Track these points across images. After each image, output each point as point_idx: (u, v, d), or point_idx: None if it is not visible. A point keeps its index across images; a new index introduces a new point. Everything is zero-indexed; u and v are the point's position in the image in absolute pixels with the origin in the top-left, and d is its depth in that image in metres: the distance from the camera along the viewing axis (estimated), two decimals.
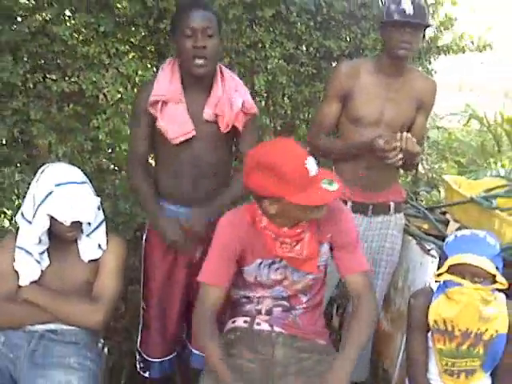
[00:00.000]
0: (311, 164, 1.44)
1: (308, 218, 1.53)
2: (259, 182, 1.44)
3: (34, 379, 1.58)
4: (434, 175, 4.06)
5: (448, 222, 2.37)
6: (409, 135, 1.83)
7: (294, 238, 1.55)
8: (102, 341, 1.88)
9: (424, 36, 2.03)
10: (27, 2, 2.13)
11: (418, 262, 2.16)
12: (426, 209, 2.50)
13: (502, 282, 1.55)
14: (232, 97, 1.82)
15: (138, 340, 2.06)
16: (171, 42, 1.83)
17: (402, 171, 3.88)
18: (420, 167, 4.50)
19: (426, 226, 2.35)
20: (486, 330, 1.59)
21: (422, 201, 2.81)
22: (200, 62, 1.72)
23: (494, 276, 1.55)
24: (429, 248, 2.13)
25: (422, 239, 2.21)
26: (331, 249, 1.65)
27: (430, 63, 2.76)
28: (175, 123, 1.77)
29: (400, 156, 1.84)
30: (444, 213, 2.50)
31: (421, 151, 2.03)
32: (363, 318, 1.57)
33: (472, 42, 2.89)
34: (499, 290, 1.65)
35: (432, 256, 2.07)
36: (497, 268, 1.55)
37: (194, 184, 1.87)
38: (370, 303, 1.59)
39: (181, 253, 1.91)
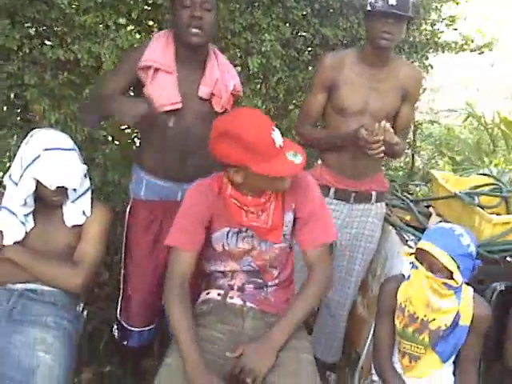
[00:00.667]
0: (277, 135, 1.46)
1: (273, 189, 1.55)
2: (225, 151, 1.46)
3: (10, 334, 1.63)
4: (429, 170, 4.07)
5: (430, 215, 2.41)
6: (387, 125, 1.86)
7: (259, 207, 1.57)
8: (82, 304, 1.92)
9: (408, 28, 2.04)
10: None
11: (395, 251, 2.20)
12: (411, 201, 2.53)
13: (457, 280, 1.58)
14: (226, 79, 1.87)
15: (118, 309, 2.10)
16: (169, 13, 1.85)
17: (396, 164, 3.92)
18: (417, 161, 4.53)
19: (408, 218, 2.39)
20: (434, 320, 1.63)
21: (410, 194, 2.84)
22: (195, 30, 1.76)
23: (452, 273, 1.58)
24: (407, 238, 2.17)
25: (401, 229, 2.25)
26: (294, 219, 1.67)
27: (426, 58, 2.77)
28: (163, 92, 1.79)
29: (382, 149, 1.88)
30: (428, 206, 2.53)
31: (403, 142, 2.07)
32: (310, 292, 1.60)
33: (472, 41, 2.90)
34: (468, 284, 1.70)
35: (409, 246, 2.11)
36: (459, 268, 1.57)
37: (182, 159, 1.90)
38: (320, 275, 1.62)
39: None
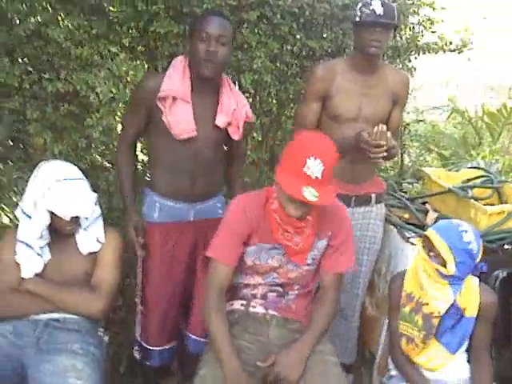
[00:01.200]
0: (315, 165, 1.50)
1: (286, 208, 1.61)
2: (285, 150, 1.59)
3: (40, 364, 1.67)
4: (419, 167, 4.18)
5: (427, 211, 2.51)
6: (384, 128, 1.93)
7: (297, 229, 1.65)
8: (102, 329, 1.96)
9: (395, 35, 2.14)
10: (23, 7, 2.20)
11: (399, 249, 2.29)
12: (408, 199, 2.63)
13: (449, 269, 1.66)
14: (240, 108, 1.97)
15: (138, 330, 2.14)
16: (186, 43, 1.93)
17: (386, 164, 4.01)
18: (406, 160, 4.64)
19: (406, 216, 2.48)
20: (427, 304, 1.71)
21: (405, 192, 2.93)
22: (209, 65, 1.83)
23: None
24: (408, 236, 2.26)
25: (402, 228, 2.34)
26: (326, 246, 1.77)
27: (409, 61, 2.88)
28: (182, 120, 1.87)
29: (384, 154, 1.94)
30: (424, 203, 2.63)
31: (397, 144, 2.15)
32: (327, 311, 1.74)
33: (451, 42, 3.02)
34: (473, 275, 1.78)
35: (411, 243, 2.20)
36: (455, 261, 1.65)
37: (193, 180, 1.97)
38: (334, 301, 1.77)
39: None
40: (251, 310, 1.79)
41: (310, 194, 1.50)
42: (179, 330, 2.20)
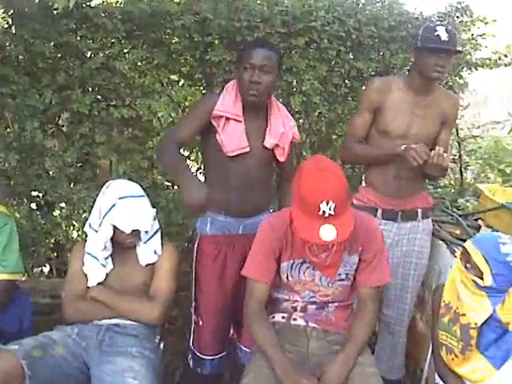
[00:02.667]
0: (327, 207, 1.54)
1: (310, 253, 1.69)
2: (295, 185, 1.65)
3: (102, 364, 1.82)
4: (477, 184, 4.07)
5: (480, 227, 2.48)
6: (441, 150, 1.96)
7: (322, 246, 1.70)
8: (159, 337, 2.09)
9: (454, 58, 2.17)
10: (94, 43, 2.46)
11: (448, 264, 2.28)
12: (460, 215, 2.61)
13: (485, 281, 1.63)
14: (287, 130, 2.09)
15: (191, 339, 2.25)
16: (235, 69, 2.06)
17: (445, 181, 3.94)
18: (468, 177, 4.53)
19: (458, 232, 2.46)
20: (464, 315, 1.69)
21: (461, 209, 2.90)
22: (253, 92, 1.96)
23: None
24: (458, 251, 2.25)
25: (452, 243, 2.33)
26: (359, 260, 1.82)
27: (460, 77, 2.88)
28: (233, 138, 2.01)
29: (424, 158, 1.96)
30: (477, 219, 2.60)
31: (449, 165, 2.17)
32: (366, 324, 1.78)
33: (506, 55, 2.99)
34: None
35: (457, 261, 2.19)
36: (492, 272, 1.63)
37: (244, 197, 2.09)
38: (372, 313, 1.81)
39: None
40: (292, 322, 1.86)
41: (326, 233, 1.54)
42: (231, 340, 2.30)
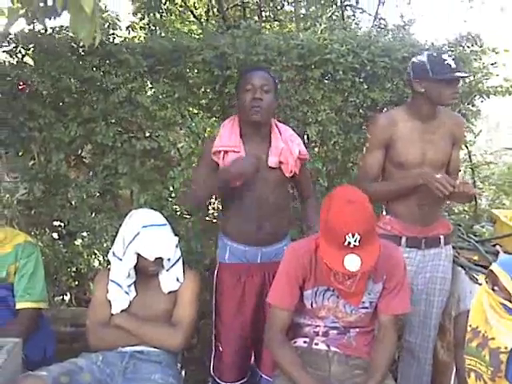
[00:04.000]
0: (353, 239, 1.58)
1: (335, 281, 1.73)
2: (322, 215, 1.70)
3: None
4: (492, 210, 4.08)
5: (498, 253, 2.49)
6: (465, 180, 2.00)
7: (347, 273, 1.71)
8: (180, 364, 2.13)
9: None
10: (117, 78, 2.56)
11: (467, 291, 2.28)
12: (477, 242, 2.62)
13: None
14: (290, 146, 2.14)
15: (211, 366, 2.27)
16: (236, 99, 2.18)
17: (460, 208, 3.96)
18: (482, 203, 4.54)
19: (475, 258, 2.47)
20: (493, 339, 1.69)
21: (477, 235, 2.91)
22: (256, 109, 2.05)
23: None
24: (477, 277, 2.26)
25: (470, 269, 2.34)
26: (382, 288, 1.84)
27: (472, 105, 2.93)
28: None
29: (450, 190, 1.99)
30: (495, 245, 2.61)
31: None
32: (388, 349, 1.81)
33: None
34: None
35: (480, 284, 2.20)
36: None
37: (258, 225, 2.13)
38: (393, 340, 1.85)
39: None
40: (314, 347, 1.89)
41: (351, 262, 1.58)
42: (252, 368, 2.31)
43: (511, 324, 1.69)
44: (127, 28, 3.85)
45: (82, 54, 2.57)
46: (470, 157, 3.64)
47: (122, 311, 2.02)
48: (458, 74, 2.06)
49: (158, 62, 2.63)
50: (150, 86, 2.66)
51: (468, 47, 2.93)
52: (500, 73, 3.11)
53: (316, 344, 1.89)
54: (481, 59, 3.04)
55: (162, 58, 2.61)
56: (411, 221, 2.23)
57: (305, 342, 1.91)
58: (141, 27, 4.04)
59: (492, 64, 2.99)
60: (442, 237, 2.29)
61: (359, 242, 1.58)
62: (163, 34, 3.30)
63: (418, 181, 2.11)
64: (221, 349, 2.22)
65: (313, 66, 2.63)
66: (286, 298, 1.82)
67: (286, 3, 4.00)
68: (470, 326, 1.77)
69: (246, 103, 2.06)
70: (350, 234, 1.57)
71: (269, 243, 2.18)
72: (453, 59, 2.08)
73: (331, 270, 1.71)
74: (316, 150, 2.82)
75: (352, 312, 1.85)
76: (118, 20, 3.29)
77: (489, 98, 2.96)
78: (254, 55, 2.57)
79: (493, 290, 1.72)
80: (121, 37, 2.97)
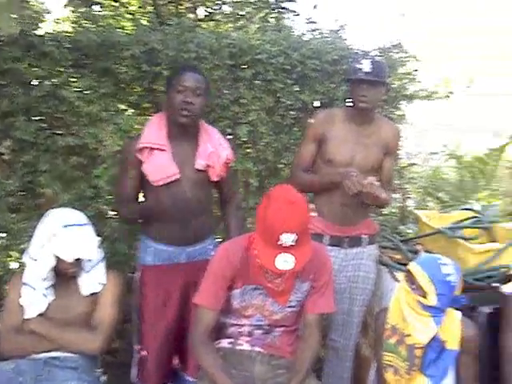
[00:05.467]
0: (289, 239, 1.59)
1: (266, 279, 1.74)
2: (258, 211, 1.69)
3: None
4: (414, 210, 4.25)
5: (418, 251, 2.58)
6: (373, 181, 2.04)
7: (277, 272, 1.72)
8: (101, 369, 2.05)
9: (388, 89, 2.29)
10: (40, 71, 2.43)
11: (389, 288, 2.36)
12: (401, 241, 2.71)
13: (430, 301, 1.74)
14: (219, 151, 2.12)
15: (134, 371, 2.21)
16: (166, 96, 2.12)
17: (387, 210, 4.09)
18: (410, 205, 4.73)
19: (398, 257, 2.56)
20: (409, 336, 1.77)
21: (402, 235, 3.01)
22: (185, 113, 2.00)
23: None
24: (398, 276, 2.33)
25: (393, 268, 2.42)
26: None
27: (398, 109, 3.04)
28: (159, 168, 2.03)
29: (358, 188, 2.05)
30: (416, 244, 2.71)
31: (389, 194, 2.26)
32: (312, 348, 1.83)
33: (437, 92, 3.20)
34: (457, 309, 1.85)
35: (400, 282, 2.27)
36: (436, 292, 1.73)
37: (182, 225, 2.09)
38: (317, 339, 1.86)
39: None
40: (238, 347, 1.88)
41: (283, 262, 1.60)
42: (176, 371, 2.27)
43: (426, 320, 1.76)
44: (57, 21, 3.69)
45: (1, 43, 2.42)
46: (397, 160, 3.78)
47: (39, 315, 1.92)
48: (365, 77, 2.10)
49: (84, 56, 2.53)
50: (75, 80, 2.55)
51: (396, 53, 3.03)
52: (423, 79, 3.26)
53: (240, 344, 1.88)
54: (406, 65, 3.15)
55: (90, 52, 2.51)
56: (334, 220, 2.27)
57: (229, 342, 1.89)
58: (72, 21, 3.88)
59: (415, 70, 3.12)
60: (364, 236, 2.34)
61: (295, 242, 1.59)
62: (93, 29, 3.18)
63: (336, 177, 2.15)
64: (144, 353, 2.16)
65: (244, 66, 2.63)
66: (212, 298, 1.80)
67: (222, 4, 3.99)
68: (389, 323, 1.82)
69: (176, 105, 2.01)
70: (288, 234, 1.58)
71: (193, 243, 2.15)
72: (371, 63, 2.12)
73: (263, 269, 1.71)
74: (247, 150, 2.81)
75: (278, 310, 1.85)
76: (48, 12, 3.14)
77: (412, 102, 3.07)
78: (184, 52, 2.53)
79: (410, 288, 1.78)
80: (50, 29, 2.85)
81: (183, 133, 2.08)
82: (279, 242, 1.59)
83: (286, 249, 1.60)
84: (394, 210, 4.21)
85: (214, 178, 2.13)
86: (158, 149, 2.04)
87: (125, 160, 2.11)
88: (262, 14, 3.42)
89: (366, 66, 2.12)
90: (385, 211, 3.92)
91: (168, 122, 2.08)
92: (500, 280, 2.23)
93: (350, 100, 2.22)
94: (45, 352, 1.90)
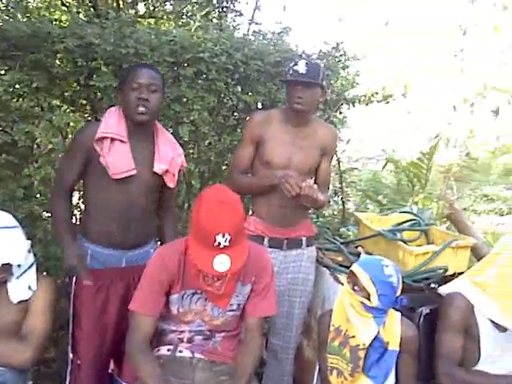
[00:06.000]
0: (223, 239, 1.56)
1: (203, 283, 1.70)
2: (192, 215, 1.64)
3: None
4: (355, 213, 4.35)
5: (360, 254, 2.62)
6: (311, 183, 2.04)
7: (216, 274, 1.67)
8: (31, 382, 1.93)
9: (325, 92, 2.30)
10: None
11: (331, 290, 2.37)
12: (342, 243, 2.74)
13: (373, 301, 1.76)
14: (175, 156, 2.08)
15: (68, 380, 2.09)
16: (119, 94, 2.04)
17: (328, 211, 4.15)
18: (350, 207, 4.84)
19: (340, 259, 2.58)
20: (353, 337, 1.79)
21: (343, 237, 3.06)
22: (142, 109, 1.94)
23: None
24: (341, 278, 2.35)
25: (335, 270, 2.43)
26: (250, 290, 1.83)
27: (340, 113, 3.08)
28: (120, 160, 1.94)
29: (296, 191, 2.04)
30: (357, 246, 2.75)
31: (326, 196, 2.28)
32: (254, 352, 1.80)
33: (377, 93, 3.27)
34: (396, 309, 1.89)
35: (343, 284, 2.29)
36: (378, 293, 1.76)
37: (125, 228, 2.01)
38: (259, 343, 1.84)
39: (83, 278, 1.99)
40: (178, 354, 1.82)
41: (220, 263, 1.56)
42: (111, 377, 2.17)
43: (369, 321, 1.78)
44: None
45: None
46: (338, 163, 3.84)
47: None
48: (299, 78, 2.10)
49: (13, 48, 2.37)
50: (4, 73, 2.38)
51: (336, 57, 3.07)
52: (363, 82, 3.33)
53: (180, 351, 1.82)
54: (347, 67, 3.20)
55: (19, 43, 2.35)
56: (274, 222, 2.27)
57: (168, 349, 1.83)
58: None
59: (355, 74, 3.18)
60: (303, 238, 2.35)
61: (229, 242, 1.56)
62: (24, 20, 3.00)
63: (274, 180, 2.14)
64: (78, 362, 2.05)
65: (185, 64, 2.57)
66: (149, 304, 1.73)
67: (164, 1, 3.91)
68: (333, 325, 1.83)
69: (131, 103, 1.94)
70: (221, 234, 1.55)
71: (134, 247, 2.07)
72: (306, 65, 2.13)
73: (200, 272, 1.66)
74: (189, 150, 2.75)
75: (219, 315, 1.81)
76: None
77: (354, 106, 3.13)
78: (123, 48, 2.42)
79: (353, 289, 1.80)
80: None
81: (139, 131, 2.01)
82: (214, 244, 1.56)
83: (222, 250, 1.57)
84: (334, 213, 4.29)
85: (170, 184, 2.08)
86: (119, 140, 1.95)
87: (76, 145, 2.00)
88: (203, 13, 3.37)
89: (301, 67, 2.13)
90: (325, 213, 3.99)
91: (126, 119, 2.00)
92: (437, 281, 2.30)
93: (287, 101, 2.22)
94: None
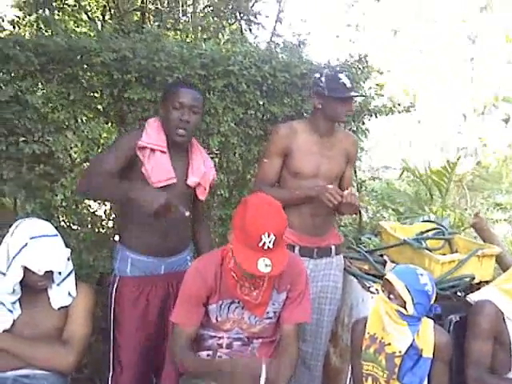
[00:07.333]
0: (268, 240, 1.62)
1: (241, 278, 1.75)
2: (235, 216, 1.71)
3: None
4: (377, 222, 4.38)
5: (385, 262, 2.67)
6: (352, 191, 2.11)
7: (253, 284, 1.75)
8: None
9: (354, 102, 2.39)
10: (4, 75, 2.33)
11: (359, 298, 2.41)
12: (367, 252, 2.79)
13: (409, 310, 1.80)
14: (208, 171, 2.15)
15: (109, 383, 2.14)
16: (160, 108, 2.10)
17: (346, 220, 4.20)
18: (364, 216, 4.87)
19: (366, 267, 2.63)
20: (389, 344, 1.83)
21: (364, 246, 3.10)
22: (182, 131, 2.01)
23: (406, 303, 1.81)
24: (368, 285, 2.40)
25: (362, 278, 2.48)
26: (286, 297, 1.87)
27: (363, 123, 3.14)
28: (161, 169, 2.01)
29: (338, 200, 2.11)
30: (382, 255, 2.79)
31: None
32: (289, 361, 1.85)
33: (399, 104, 3.33)
34: (428, 317, 1.92)
35: (371, 292, 2.34)
36: (413, 301, 1.80)
37: (163, 237, 2.07)
38: (296, 349, 1.89)
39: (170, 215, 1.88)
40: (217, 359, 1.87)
41: (264, 265, 1.61)
42: (150, 381, 2.22)
43: (404, 329, 1.82)
44: (11, 23, 3.53)
45: None
46: (355, 172, 3.89)
47: (4, 331, 1.83)
48: (351, 93, 2.19)
49: (51, 61, 2.44)
50: (41, 86, 2.46)
51: (359, 68, 3.13)
52: (385, 93, 3.38)
53: (219, 357, 1.87)
54: (369, 79, 3.26)
55: (56, 57, 2.42)
56: (304, 231, 2.31)
57: (208, 354, 1.88)
58: (27, 24, 3.73)
59: (377, 85, 3.24)
60: (333, 247, 2.40)
61: (273, 244, 1.61)
62: (55, 33, 3.07)
63: (311, 193, 2.20)
64: (121, 367, 2.10)
65: (216, 77, 2.63)
66: (189, 317, 1.80)
67: (182, 14, 3.98)
68: (368, 332, 1.87)
69: (173, 122, 2.01)
70: (266, 234, 1.60)
71: (172, 254, 2.13)
72: (348, 78, 2.20)
73: (238, 282, 1.72)
74: (217, 160, 2.81)
75: (257, 323, 1.86)
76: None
77: (376, 117, 3.18)
78: (156, 61, 2.50)
79: (389, 297, 1.84)
80: (5, 30, 2.73)
81: (176, 144, 2.07)
82: (260, 244, 1.60)
83: (266, 252, 1.61)
84: (351, 222, 4.33)
85: (201, 198, 2.14)
86: (159, 150, 2.01)
87: (119, 146, 2.02)
88: (234, 27, 3.44)
89: (346, 81, 2.19)
90: (342, 222, 4.03)
91: (164, 132, 2.06)
92: (463, 289, 2.34)
93: (326, 114, 2.25)
94: (13, 370, 1.81)
